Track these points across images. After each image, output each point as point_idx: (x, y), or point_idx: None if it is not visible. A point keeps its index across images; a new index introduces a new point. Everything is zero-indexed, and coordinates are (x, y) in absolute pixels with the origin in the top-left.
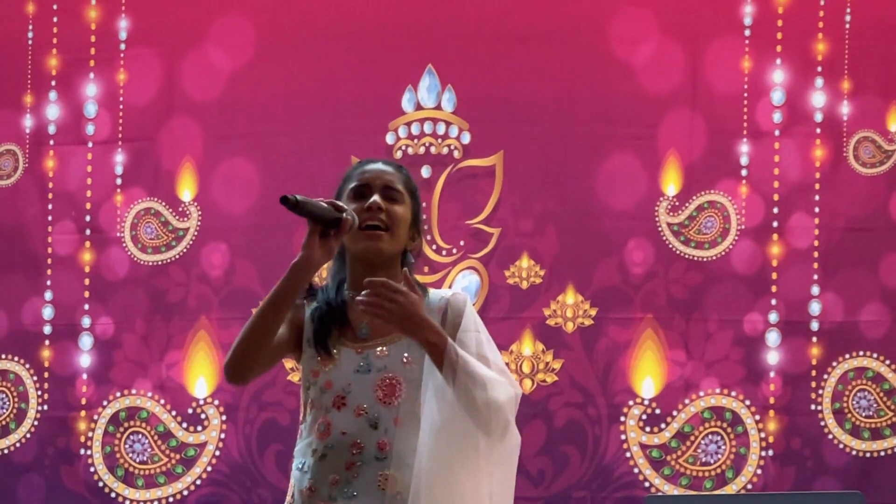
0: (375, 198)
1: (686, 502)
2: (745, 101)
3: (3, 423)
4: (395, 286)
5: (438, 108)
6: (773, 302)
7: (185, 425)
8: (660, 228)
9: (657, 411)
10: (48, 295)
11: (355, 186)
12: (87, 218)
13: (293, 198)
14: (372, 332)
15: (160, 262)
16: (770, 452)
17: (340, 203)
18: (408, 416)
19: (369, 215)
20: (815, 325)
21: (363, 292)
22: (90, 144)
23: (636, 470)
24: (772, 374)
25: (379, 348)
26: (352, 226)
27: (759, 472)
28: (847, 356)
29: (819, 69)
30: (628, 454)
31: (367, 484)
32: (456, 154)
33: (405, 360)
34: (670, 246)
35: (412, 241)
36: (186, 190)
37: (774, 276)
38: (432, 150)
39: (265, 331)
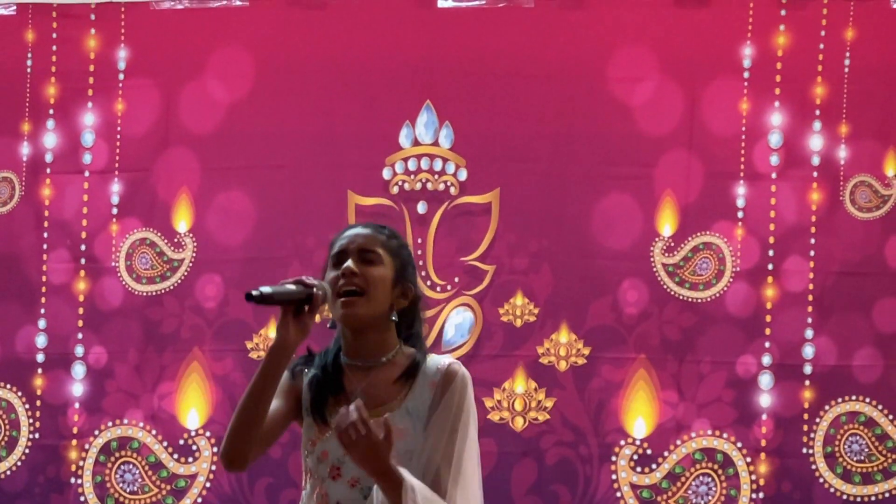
0: (348, 263)
1: None
2: (743, 143)
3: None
4: (362, 427)
5: (436, 144)
6: (767, 345)
7: (176, 456)
8: (654, 269)
9: (648, 452)
10: (42, 323)
11: (334, 255)
12: (83, 247)
13: (257, 293)
14: (367, 400)
15: (154, 293)
16: (761, 495)
17: (309, 280)
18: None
19: (344, 281)
20: (808, 369)
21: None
22: (87, 174)
23: None
24: (764, 417)
25: (372, 419)
26: (324, 298)
27: None
28: (840, 400)
29: (817, 112)
30: (619, 494)
31: None
32: (452, 191)
33: (396, 432)
34: (665, 287)
35: (403, 297)
36: (182, 221)
37: (768, 318)
38: (429, 186)
39: (253, 418)
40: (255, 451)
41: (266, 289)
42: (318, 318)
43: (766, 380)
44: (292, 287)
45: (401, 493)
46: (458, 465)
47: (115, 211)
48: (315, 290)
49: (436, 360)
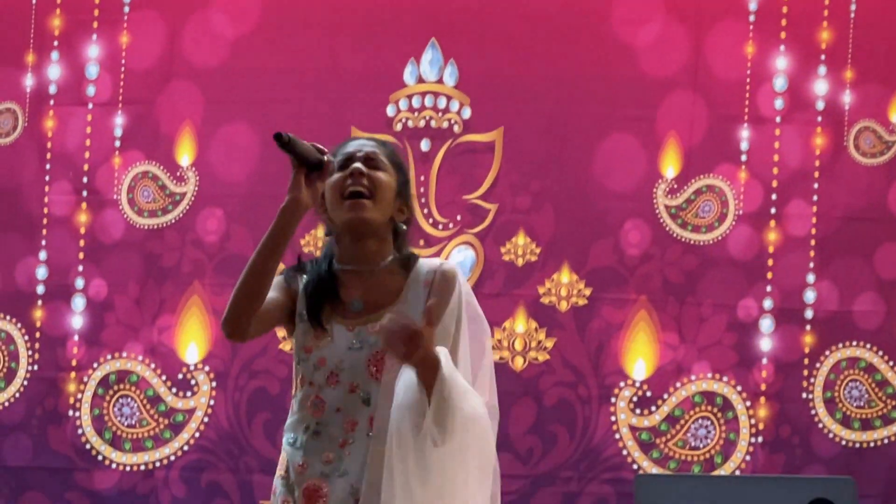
0: (357, 164)
1: (677, 482)
2: (748, 87)
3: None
4: (413, 328)
5: (440, 82)
6: (769, 289)
7: (174, 390)
8: (657, 211)
9: (648, 394)
10: (42, 255)
11: (339, 161)
12: (85, 179)
13: (286, 136)
14: (365, 307)
15: (156, 226)
16: (759, 439)
17: (322, 147)
18: (389, 389)
19: (352, 181)
20: (809, 314)
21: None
22: (90, 106)
23: (625, 452)
24: (764, 361)
25: (370, 324)
26: (332, 170)
27: (747, 458)
28: (840, 346)
29: (822, 57)
30: (617, 436)
31: (358, 461)
32: (456, 129)
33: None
34: (667, 229)
35: (401, 212)
36: (185, 155)
37: (770, 262)
38: (432, 123)
39: (260, 279)
40: (255, 323)
41: (293, 136)
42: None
43: (766, 324)
44: (310, 147)
45: (436, 376)
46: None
47: (117, 144)
48: (326, 157)
49: (428, 262)
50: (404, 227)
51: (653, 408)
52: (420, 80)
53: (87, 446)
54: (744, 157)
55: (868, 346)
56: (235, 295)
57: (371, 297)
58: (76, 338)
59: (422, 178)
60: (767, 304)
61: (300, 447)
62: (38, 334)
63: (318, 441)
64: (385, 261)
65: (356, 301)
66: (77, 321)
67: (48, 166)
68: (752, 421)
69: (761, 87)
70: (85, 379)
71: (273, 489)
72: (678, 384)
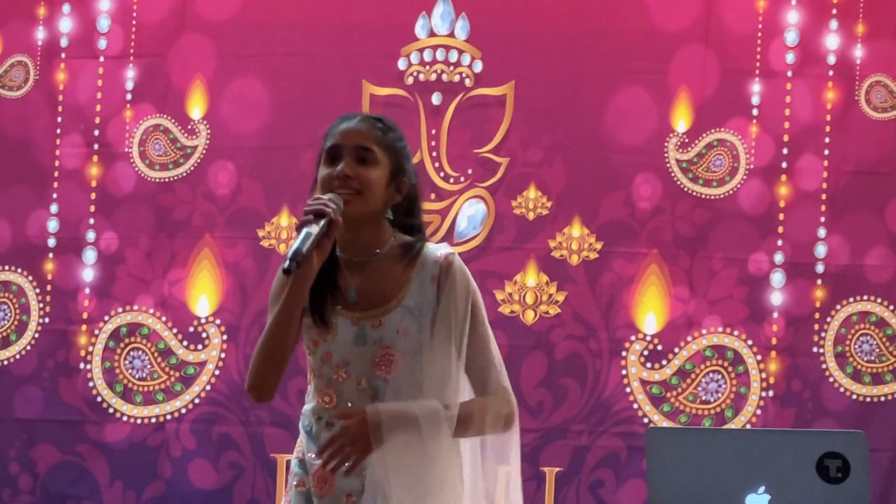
0: (342, 166)
1: (688, 435)
2: (759, 41)
3: (4, 334)
4: (335, 443)
5: (452, 35)
6: (780, 243)
7: (185, 343)
8: (668, 165)
9: (659, 347)
10: (53, 208)
11: (329, 148)
12: (96, 132)
13: (292, 264)
14: (359, 297)
15: (167, 179)
16: (770, 393)
17: (325, 206)
18: (405, 384)
19: (339, 183)
20: (820, 268)
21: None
22: (101, 59)
23: (635, 405)
24: (775, 315)
25: (371, 320)
26: (336, 215)
27: (758, 412)
28: (851, 300)
29: (834, 11)
30: (628, 389)
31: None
32: (467, 82)
33: (399, 331)
34: (678, 182)
35: (398, 193)
36: (196, 108)
37: (781, 216)
38: (444, 77)
39: (281, 347)
40: (280, 377)
41: (299, 249)
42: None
43: (777, 278)
44: (317, 228)
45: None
46: (488, 353)
47: (129, 97)
48: (332, 214)
49: (432, 252)
50: (388, 218)
51: (664, 361)
52: (431, 34)
53: (98, 399)
54: (755, 112)
55: (879, 300)
56: (259, 364)
57: (371, 287)
58: (87, 291)
59: (433, 131)
60: (778, 258)
61: (315, 437)
62: (49, 287)
63: (330, 433)
64: (384, 247)
65: (352, 292)
66: (88, 274)
67: (59, 119)
68: (763, 375)
69: (773, 41)
70: (96, 332)
71: (290, 467)
72: (689, 338)
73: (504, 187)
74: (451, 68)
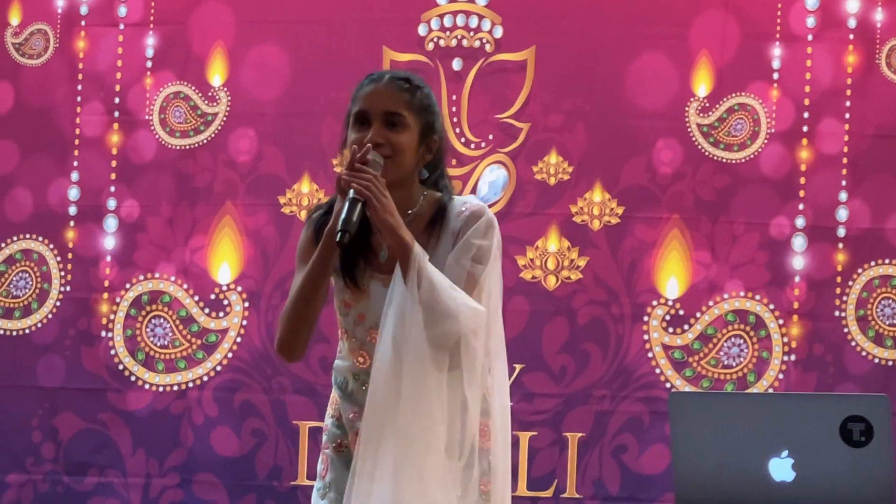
0: (372, 134)
1: (711, 400)
2: (779, 5)
3: (26, 302)
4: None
5: (472, 1)
6: (801, 207)
7: (207, 311)
8: (689, 129)
9: (681, 312)
10: (74, 176)
11: (357, 113)
12: (116, 100)
13: (345, 236)
14: (390, 257)
15: (188, 147)
16: (792, 357)
17: (371, 183)
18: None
19: (371, 150)
20: (841, 231)
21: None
22: (122, 26)
23: (657, 370)
24: (797, 279)
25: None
26: (366, 192)
27: (780, 376)
28: (872, 263)
29: None
30: (650, 354)
31: None
32: (488, 48)
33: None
34: (699, 147)
35: (429, 152)
36: (216, 75)
37: (802, 180)
38: (464, 43)
39: (311, 306)
40: (311, 336)
41: (349, 227)
42: None
43: (799, 242)
44: (357, 211)
45: (410, 257)
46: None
47: (149, 64)
48: (372, 196)
49: (459, 204)
50: (423, 177)
51: (685, 326)
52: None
53: (120, 367)
54: (776, 76)
55: None
56: (290, 322)
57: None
58: (108, 259)
59: (454, 97)
60: (800, 222)
61: (350, 395)
62: (70, 255)
63: (365, 391)
64: (415, 207)
65: (384, 251)
66: (109, 242)
67: (79, 87)
68: (785, 339)
69: (793, 5)
70: (117, 300)
71: (325, 427)
72: (711, 303)
73: (525, 153)
74: (472, 34)
